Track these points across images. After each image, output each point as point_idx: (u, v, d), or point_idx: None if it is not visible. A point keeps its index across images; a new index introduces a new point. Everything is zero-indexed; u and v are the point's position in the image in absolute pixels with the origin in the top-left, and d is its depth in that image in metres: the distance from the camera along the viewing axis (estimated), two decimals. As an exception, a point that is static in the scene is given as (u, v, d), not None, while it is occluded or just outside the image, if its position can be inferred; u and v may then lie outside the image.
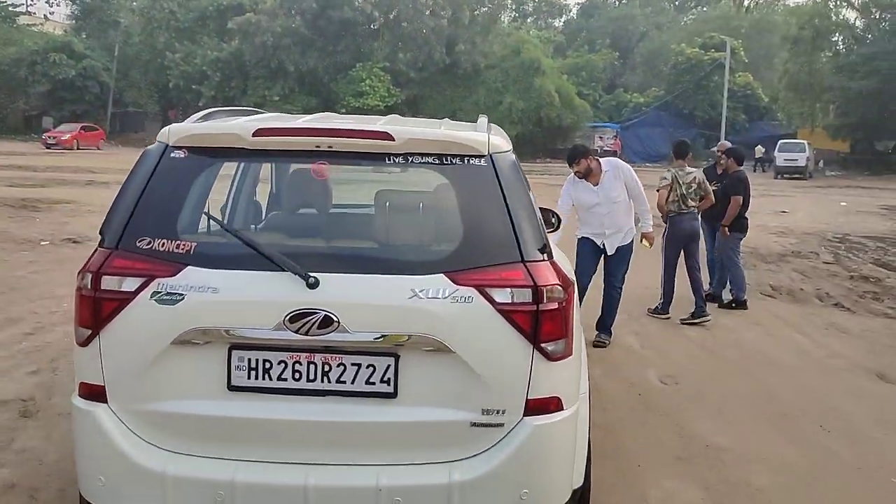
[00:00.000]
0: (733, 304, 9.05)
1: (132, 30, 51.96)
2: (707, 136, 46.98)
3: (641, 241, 7.47)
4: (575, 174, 7.15)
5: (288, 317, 2.63)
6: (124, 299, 2.72)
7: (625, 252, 7.23)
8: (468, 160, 2.87)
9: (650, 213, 7.54)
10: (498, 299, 2.69)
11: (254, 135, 2.84)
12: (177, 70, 47.60)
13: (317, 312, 2.63)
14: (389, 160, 2.88)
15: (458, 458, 2.75)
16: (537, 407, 2.77)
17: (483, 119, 3.37)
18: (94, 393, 2.79)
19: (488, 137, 2.93)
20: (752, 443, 5.05)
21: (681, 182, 8.31)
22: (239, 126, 2.95)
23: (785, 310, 9.20)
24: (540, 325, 2.71)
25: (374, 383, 2.71)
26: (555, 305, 2.74)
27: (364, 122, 3.09)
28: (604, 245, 7.13)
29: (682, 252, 8.52)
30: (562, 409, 2.83)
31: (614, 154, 34.54)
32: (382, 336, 2.66)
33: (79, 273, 2.84)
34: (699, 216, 8.67)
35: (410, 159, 2.88)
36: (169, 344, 2.70)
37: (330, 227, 3.54)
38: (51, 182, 21.80)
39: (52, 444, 4.58)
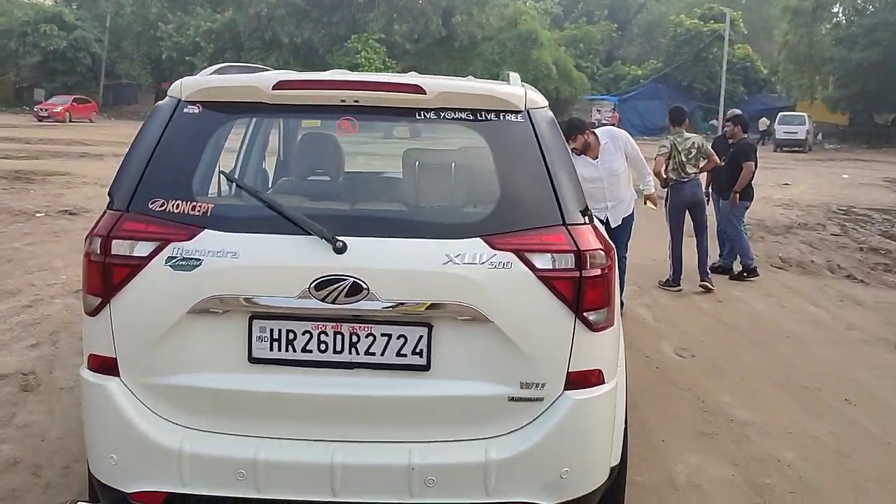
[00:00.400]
0: (745, 274, 8.91)
1: (124, 0, 51.16)
2: (705, 108, 46.71)
3: (645, 203, 7.31)
4: (573, 150, 6.94)
5: (313, 284, 2.44)
6: (136, 265, 2.52)
7: (628, 220, 7.08)
8: (504, 116, 2.67)
9: (651, 176, 7.45)
10: (538, 265, 2.50)
11: (274, 88, 2.63)
12: (169, 41, 46.89)
13: (345, 279, 2.44)
14: (420, 116, 2.68)
15: (495, 435, 2.57)
16: (578, 380, 2.60)
17: (515, 75, 3.16)
18: (105, 366, 2.61)
19: (525, 92, 2.73)
20: (776, 417, 4.91)
21: (679, 149, 8.14)
22: (258, 79, 2.74)
23: (796, 282, 9.06)
24: (582, 293, 2.53)
25: (405, 355, 2.53)
26: (598, 272, 2.56)
27: (391, 76, 2.88)
28: (608, 218, 6.95)
29: (685, 222, 8.40)
30: (603, 382, 2.66)
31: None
32: (415, 304, 2.48)
33: (87, 237, 2.64)
34: (702, 185, 8.52)
35: (442, 115, 2.68)
36: (185, 313, 2.51)
37: (353, 189, 3.34)
38: (44, 154, 21.50)
39: (54, 419, 4.41)
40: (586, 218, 2.63)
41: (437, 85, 2.67)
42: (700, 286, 8.20)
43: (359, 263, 2.45)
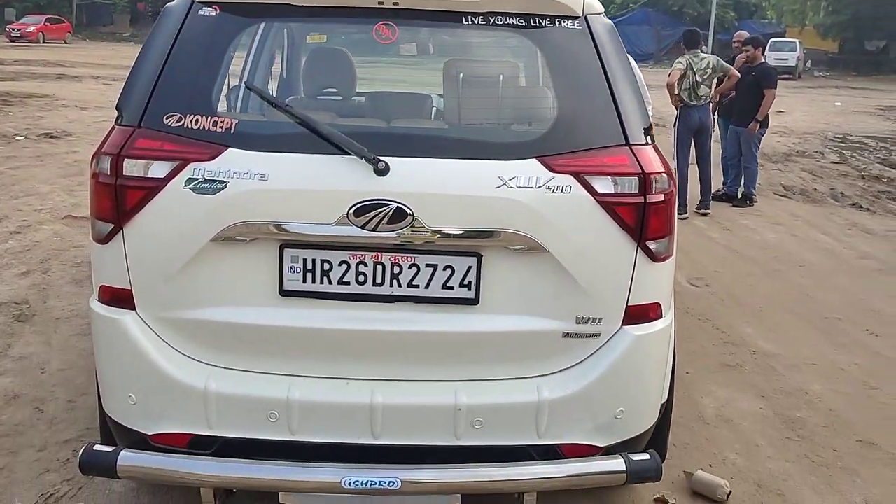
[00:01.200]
0: (747, 201, 8.79)
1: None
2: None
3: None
4: None
5: (352, 209, 2.19)
6: (152, 188, 2.25)
7: None
8: (560, 22, 2.40)
9: (651, 106, 7.26)
10: (600, 189, 2.27)
11: None
12: (145, -42, 45.21)
13: (387, 204, 2.19)
14: (467, 21, 2.39)
15: (548, 373, 2.38)
16: (637, 315, 2.39)
17: None
18: (119, 298, 2.36)
19: None
20: (799, 348, 4.78)
21: (695, 69, 7.94)
22: None
23: (802, 210, 8.90)
24: (646, 221, 2.30)
25: (452, 288, 2.30)
26: (661, 197, 2.33)
27: None
28: None
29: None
30: (661, 316, 2.46)
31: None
32: (464, 232, 2.24)
33: (93, 157, 2.37)
34: (710, 110, 8.33)
35: (492, 20, 2.39)
36: (208, 241, 2.26)
37: (384, 108, 3.04)
38: (21, 76, 20.73)
39: (53, 350, 4.19)
40: (649, 138, 2.39)
41: None
42: (697, 211, 8.19)
43: (402, 187, 2.20)
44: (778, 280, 6.20)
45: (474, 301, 2.31)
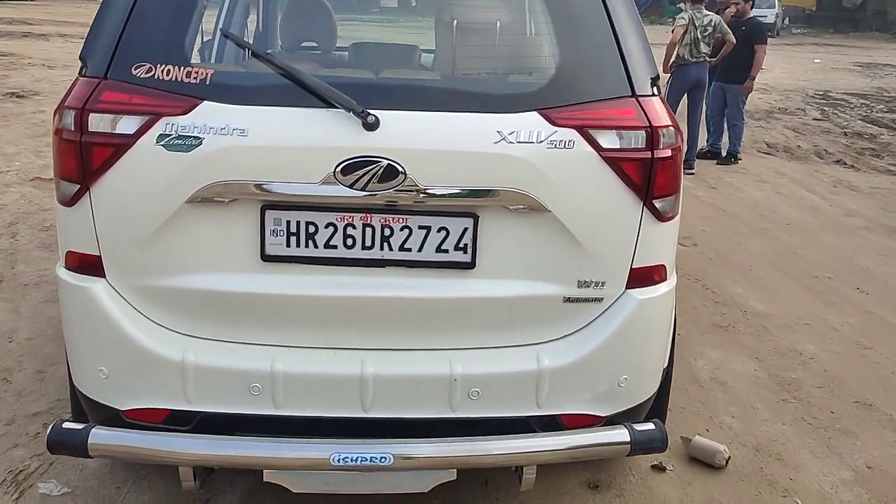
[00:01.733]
0: (731, 159, 8.69)
1: None
2: (673, -10, 45.45)
3: None
4: None
5: (340, 167, 2.03)
6: (121, 145, 2.07)
7: None
8: None
9: None
10: (605, 144, 2.11)
11: None
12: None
13: (377, 161, 2.03)
14: None
15: (548, 340, 2.25)
16: (642, 277, 2.26)
17: None
18: (87, 264, 2.19)
19: None
20: (791, 308, 4.70)
21: (696, 24, 7.79)
22: None
23: (787, 167, 8.82)
24: (653, 177, 2.16)
25: (446, 251, 2.15)
26: (669, 153, 2.19)
27: None
28: None
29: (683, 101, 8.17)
30: (665, 278, 2.33)
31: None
32: (460, 191, 2.08)
33: (56, 111, 2.17)
34: (707, 66, 8.16)
35: None
36: (183, 202, 2.08)
37: (371, 58, 2.85)
38: (-16, 33, 20.08)
39: (21, 318, 4.01)
40: (655, 89, 2.23)
41: None
42: (685, 164, 8.10)
43: (394, 142, 2.04)
44: (766, 238, 6.11)
45: (470, 265, 2.16)
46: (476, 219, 2.13)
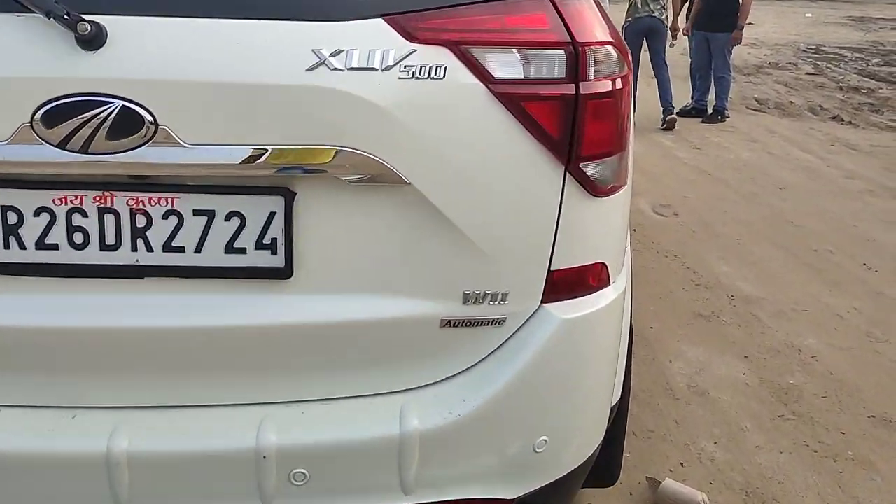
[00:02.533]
0: (718, 117, 7.90)
1: None
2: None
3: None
4: None
5: (40, 113, 1.19)
6: None
7: None
8: None
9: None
10: (498, 72, 1.28)
11: None
12: None
13: (104, 102, 1.20)
14: None
15: (417, 387, 1.43)
16: (567, 284, 1.45)
17: None
18: None
19: None
20: (787, 290, 3.92)
21: None
22: None
23: (779, 125, 8.00)
24: (580, 126, 1.33)
25: (242, 250, 1.32)
26: (607, 86, 1.36)
27: None
28: None
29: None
30: (607, 283, 1.52)
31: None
32: (256, 152, 1.25)
33: None
34: (663, 18, 7.38)
35: None
36: None
37: None
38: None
39: None
40: None
41: None
42: (664, 121, 7.31)
43: (131, 68, 1.20)
44: (756, 205, 5.31)
45: (284, 272, 1.34)
46: (290, 197, 1.30)
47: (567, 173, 1.36)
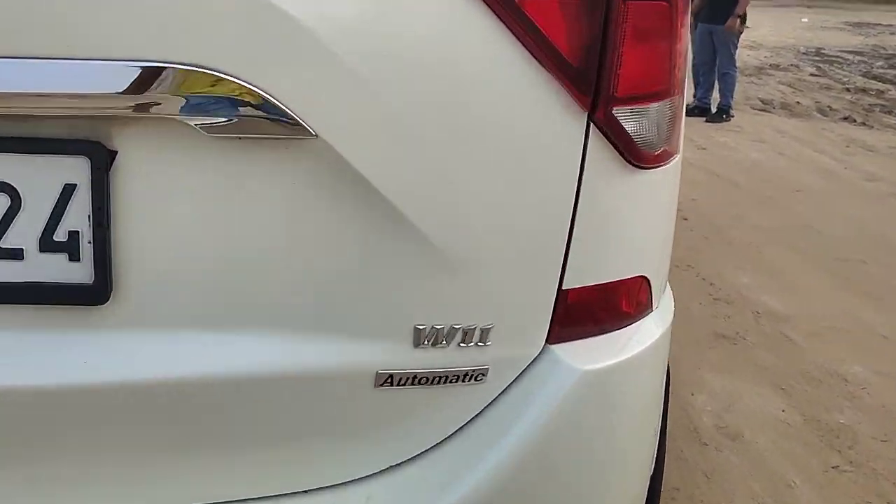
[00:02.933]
0: (723, 115, 7.41)
1: None
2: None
3: None
4: None
5: None
6: None
7: None
8: None
9: None
10: None
11: None
12: None
13: None
14: None
15: (344, 482, 0.86)
16: (589, 312, 0.88)
17: None
18: None
19: None
20: (818, 304, 3.37)
21: None
22: None
23: (788, 125, 7.49)
24: (615, 44, 0.77)
25: (14, 254, 0.75)
26: None
27: None
28: None
29: None
30: (648, 309, 0.96)
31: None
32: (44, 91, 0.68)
33: None
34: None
35: None
36: None
37: None
38: None
39: None
40: None
41: None
42: None
43: None
44: (772, 209, 4.77)
45: (94, 292, 0.76)
46: (103, 159, 0.73)
47: (591, 125, 0.79)
